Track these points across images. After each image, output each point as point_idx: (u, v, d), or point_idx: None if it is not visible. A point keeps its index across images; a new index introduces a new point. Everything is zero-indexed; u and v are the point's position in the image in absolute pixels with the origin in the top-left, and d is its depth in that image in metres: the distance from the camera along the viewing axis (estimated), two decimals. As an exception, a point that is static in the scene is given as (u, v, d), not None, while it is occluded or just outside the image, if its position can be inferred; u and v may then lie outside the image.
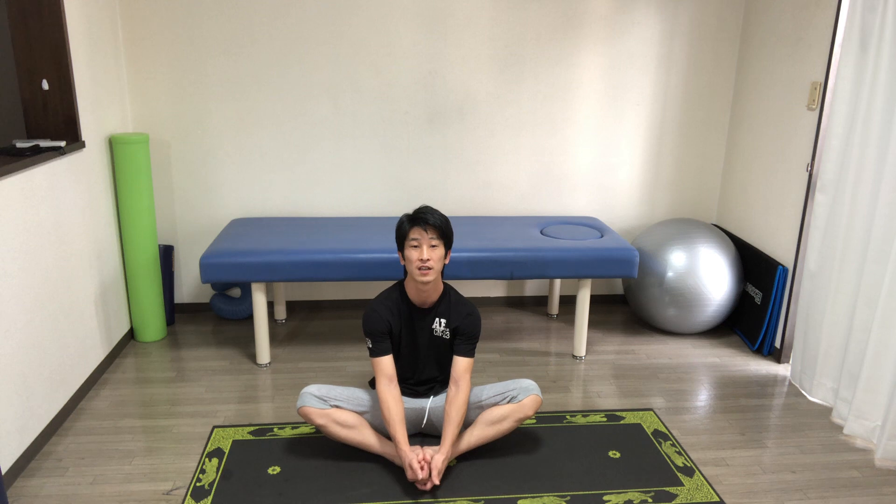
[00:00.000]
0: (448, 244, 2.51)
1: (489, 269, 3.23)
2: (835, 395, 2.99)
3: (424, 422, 2.65)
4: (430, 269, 2.43)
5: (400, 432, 2.42)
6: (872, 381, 2.72)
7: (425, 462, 2.40)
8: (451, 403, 2.48)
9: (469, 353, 2.55)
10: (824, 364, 3.04)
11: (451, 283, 3.91)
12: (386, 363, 2.51)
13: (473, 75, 3.75)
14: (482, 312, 4.06)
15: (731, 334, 3.82)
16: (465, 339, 2.55)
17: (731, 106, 3.96)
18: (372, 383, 2.71)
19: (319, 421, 2.51)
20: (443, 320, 2.57)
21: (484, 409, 2.60)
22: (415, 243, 2.45)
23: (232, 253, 3.16)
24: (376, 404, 2.59)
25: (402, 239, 2.49)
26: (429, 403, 2.64)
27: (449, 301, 2.59)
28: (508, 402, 2.57)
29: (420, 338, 2.59)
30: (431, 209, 2.49)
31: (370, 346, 2.52)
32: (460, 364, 2.53)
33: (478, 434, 2.56)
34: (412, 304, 2.57)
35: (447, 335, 2.58)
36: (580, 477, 2.51)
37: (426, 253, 2.43)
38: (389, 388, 2.48)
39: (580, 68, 3.80)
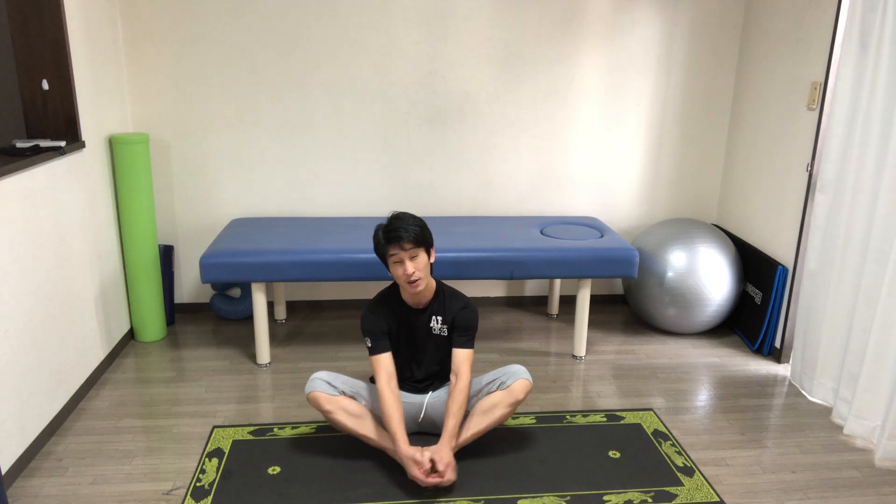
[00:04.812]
0: (428, 246, 2.50)
1: (489, 269, 3.23)
2: (835, 395, 2.99)
3: (422, 416, 2.65)
4: (418, 279, 2.44)
5: (399, 431, 2.42)
6: (872, 381, 2.72)
7: (426, 461, 2.38)
8: (451, 395, 2.48)
9: (467, 344, 2.54)
10: (824, 364, 3.04)
11: (452, 282, 3.90)
12: (386, 360, 2.52)
13: (473, 75, 3.75)
14: (482, 312, 4.05)
15: (731, 334, 3.82)
16: (461, 331, 2.55)
17: (731, 106, 3.96)
18: (372, 380, 2.71)
19: (327, 406, 2.51)
20: (439, 318, 2.58)
21: (480, 398, 2.60)
22: (395, 259, 2.44)
23: (232, 253, 3.16)
24: (377, 400, 2.59)
25: (382, 257, 2.49)
26: (427, 398, 2.64)
27: (443, 298, 2.60)
28: (498, 388, 2.57)
29: (418, 336, 2.60)
30: (403, 219, 2.45)
31: (369, 344, 2.53)
32: (459, 355, 2.53)
33: (473, 424, 2.55)
34: (407, 306, 2.58)
35: (445, 332, 2.59)
36: (580, 477, 2.51)
37: (410, 267, 2.42)
38: (390, 386, 2.49)
39: (580, 68, 3.80)
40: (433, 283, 2.59)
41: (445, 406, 2.53)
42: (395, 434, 2.42)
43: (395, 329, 2.58)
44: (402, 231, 2.41)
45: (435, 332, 2.59)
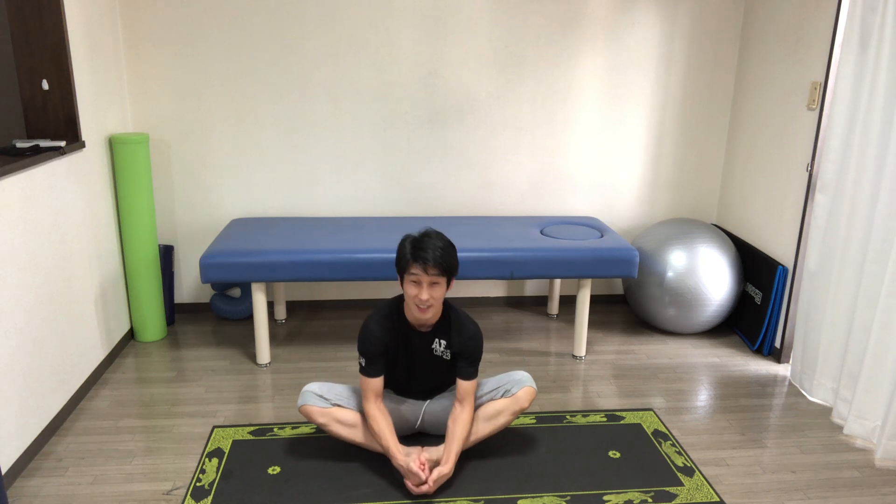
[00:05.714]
0: (451, 277, 2.38)
1: (489, 269, 3.23)
2: (835, 395, 2.99)
3: (419, 422, 2.64)
4: (430, 306, 2.35)
5: (392, 445, 2.40)
6: (872, 381, 2.72)
7: (423, 465, 2.37)
8: (455, 421, 2.44)
9: (472, 375, 2.48)
10: (824, 364, 3.04)
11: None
12: (376, 384, 2.46)
13: (473, 75, 3.75)
14: (482, 313, 4.06)
15: (731, 334, 3.82)
16: (467, 363, 2.48)
17: (731, 106, 3.96)
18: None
19: (320, 420, 2.51)
20: (443, 341, 2.49)
21: (483, 403, 2.59)
22: (414, 279, 2.32)
23: (232, 253, 3.16)
24: None
25: (402, 270, 2.36)
26: (425, 405, 2.63)
27: (449, 321, 2.49)
28: (502, 395, 2.55)
29: (418, 356, 2.52)
30: (434, 239, 2.33)
31: (362, 364, 2.45)
32: (464, 387, 2.47)
33: (476, 430, 2.54)
34: (410, 325, 2.48)
35: (447, 356, 2.51)
36: (580, 477, 2.51)
37: (426, 293, 2.31)
38: (377, 405, 2.46)
39: (580, 69, 3.80)
40: (440, 308, 2.47)
41: (447, 422, 2.49)
42: (389, 449, 2.40)
43: (394, 347, 2.49)
44: (430, 252, 2.28)
45: (437, 354, 2.51)
